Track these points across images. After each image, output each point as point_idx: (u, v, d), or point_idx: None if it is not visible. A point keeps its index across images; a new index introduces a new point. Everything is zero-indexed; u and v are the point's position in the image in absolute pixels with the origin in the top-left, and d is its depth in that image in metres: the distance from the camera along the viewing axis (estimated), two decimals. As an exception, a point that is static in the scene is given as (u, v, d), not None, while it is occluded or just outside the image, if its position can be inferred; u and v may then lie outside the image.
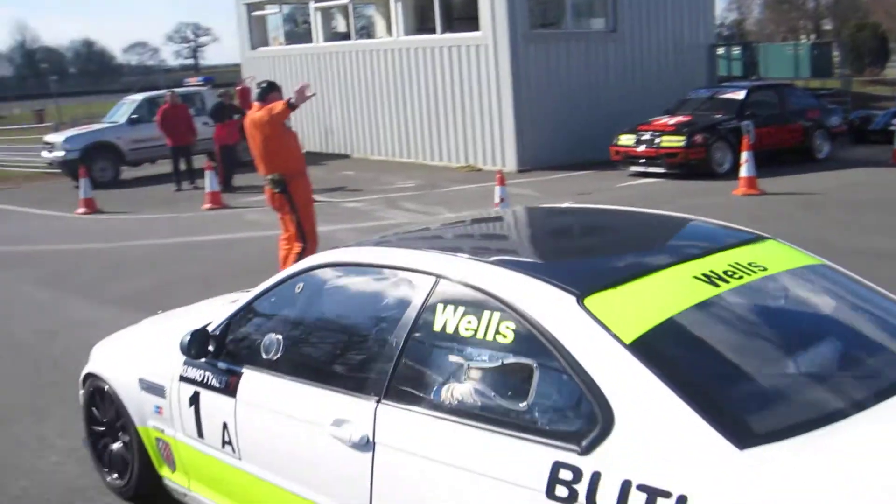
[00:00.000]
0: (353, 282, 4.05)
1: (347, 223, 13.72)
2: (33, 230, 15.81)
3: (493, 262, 3.47)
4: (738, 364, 3.09)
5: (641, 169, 17.40)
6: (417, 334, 3.44)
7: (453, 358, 3.32)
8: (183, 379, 4.46)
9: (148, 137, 21.71)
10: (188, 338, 4.27)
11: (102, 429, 5.28)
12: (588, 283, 3.21)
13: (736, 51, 33.54)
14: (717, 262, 3.49)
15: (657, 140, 17.06)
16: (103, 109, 55.10)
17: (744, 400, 2.89)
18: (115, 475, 5.17)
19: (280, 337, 4.05)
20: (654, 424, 2.70)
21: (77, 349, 8.11)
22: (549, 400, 3.00)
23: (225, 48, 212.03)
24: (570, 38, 20.34)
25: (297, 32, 28.16)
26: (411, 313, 3.49)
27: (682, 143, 16.83)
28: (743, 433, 2.61)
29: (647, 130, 17.39)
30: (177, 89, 22.14)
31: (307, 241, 8.98)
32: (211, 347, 4.30)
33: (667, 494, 2.51)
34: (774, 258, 3.74)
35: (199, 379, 4.34)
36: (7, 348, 8.53)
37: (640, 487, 2.57)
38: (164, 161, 22.03)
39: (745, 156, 14.65)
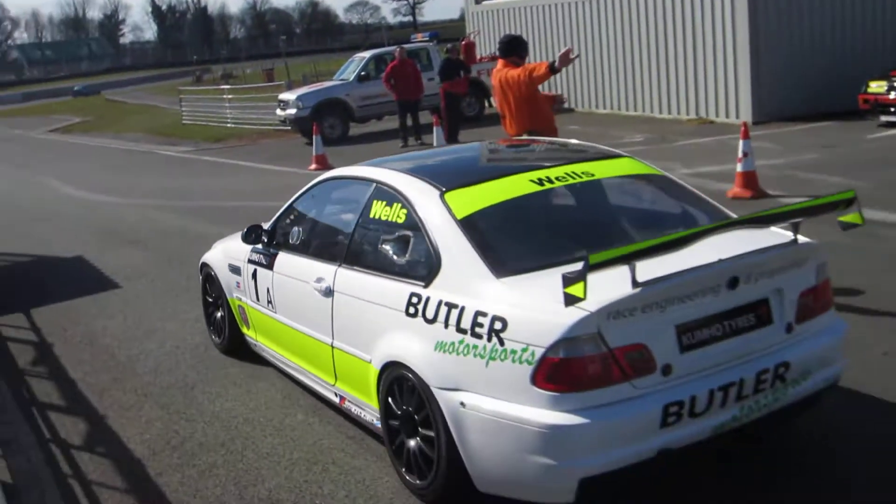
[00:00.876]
0: (340, 189, 6.03)
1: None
2: (270, 186, 16.29)
3: (404, 171, 5.34)
4: (520, 232, 4.88)
5: (894, 119, 15.92)
6: (361, 220, 5.38)
7: (376, 234, 5.22)
8: (249, 261, 6.51)
9: (376, 94, 22.01)
10: (245, 230, 6.38)
11: (211, 300, 7.53)
12: (452, 184, 4.96)
13: None
14: (557, 171, 5.10)
15: (913, 87, 15.60)
16: (328, 67, 57.01)
17: (511, 252, 4.56)
18: (216, 336, 7.49)
19: (298, 228, 6.08)
20: (458, 267, 4.48)
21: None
22: (416, 256, 4.82)
23: (442, 4, 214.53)
24: (814, -27, 18.81)
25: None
26: (360, 207, 5.43)
27: (942, 90, 15.32)
28: (502, 270, 4.31)
29: (901, 76, 15.92)
30: (405, 45, 22.24)
31: None
32: (264, 238, 6.30)
33: (456, 306, 4.33)
34: (610, 169, 5.36)
35: (257, 260, 6.39)
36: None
37: (446, 304, 4.40)
38: (390, 117, 22.29)
39: None
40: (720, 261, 4.08)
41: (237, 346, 7.15)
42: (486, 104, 23.02)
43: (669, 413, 3.95)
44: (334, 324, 5.32)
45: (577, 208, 5.27)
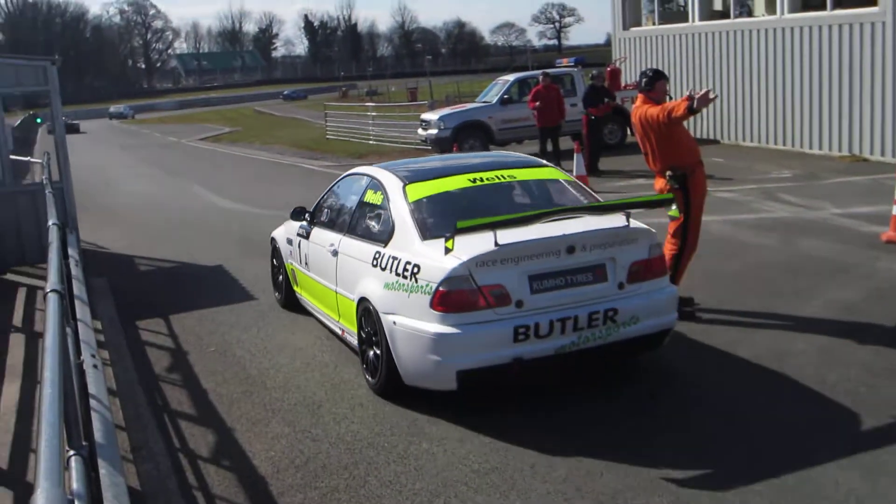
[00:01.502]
0: (354, 182, 8.16)
1: (722, 214, 12.87)
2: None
3: (388, 170, 7.64)
4: (446, 211, 6.74)
5: None
6: (359, 203, 7.64)
7: (364, 212, 7.48)
8: (297, 234, 8.78)
9: (517, 117, 21.96)
10: (293, 210, 8.87)
11: (276, 266, 9.90)
12: (413, 179, 7.18)
13: None
14: (491, 174, 7.26)
15: None
16: (471, 88, 57.44)
17: (435, 224, 6.60)
18: (278, 293, 9.84)
19: (326, 209, 8.41)
20: (403, 233, 6.64)
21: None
22: (383, 227, 7.01)
23: (589, 28, 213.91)
24: None
25: (671, 11, 27.24)
26: (360, 193, 7.73)
27: None
28: (426, 235, 6.49)
29: None
30: (549, 70, 22.09)
31: (688, 240, 8.20)
32: (307, 217, 8.61)
33: (397, 258, 6.46)
34: (531, 174, 7.63)
35: (301, 233, 8.67)
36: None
37: (392, 257, 6.55)
38: (530, 141, 22.18)
39: None
40: (563, 235, 6.18)
41: (292, 302, 9.36)
42: (629, 132, 22.66)
43: (519, 333, 6.02)
44: (337, 276, 7.59)
45: (494, 198, 7.23)
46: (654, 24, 25.57)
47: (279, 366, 7.74)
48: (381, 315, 6.49)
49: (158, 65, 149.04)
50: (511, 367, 6.05)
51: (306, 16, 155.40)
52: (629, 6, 26.38)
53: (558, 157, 19.39)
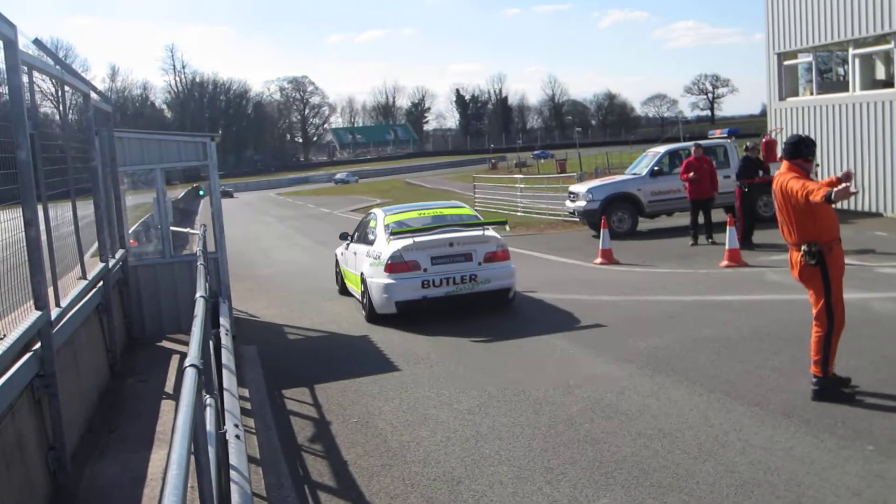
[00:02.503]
0: (368, 216, 15.25)
1: (883, 291, 12.20)
2: (552, 277, 16.23)
3: (381, 209, 15.34)
4: (401, 227, 13.49)
5: None
6: (366, 226, 14.87)
7: (367, 230, 14.59)
8: (346, 247, 15.51)
9: (668, 189, 21.60)
10: (340, 234, 16.22)
11: (337, 271, 16.66)
12: (391, 212, 14.45)
13: None
14: (430, 210, 14.67)
15: None
16: (620, 160, 57.09)
17: (393, 233, 13.24)
18: (337, 285, 16.65)
19: (357, 233, 15.19)
20: (379, 239, 13.53)
21: (592, 408, 7.89)
22: (372, 237, 13.98)
23: (743, 99, 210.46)
24: None
25: (830, 81, 26.45)
26: (368, 221, 14.94)
27: None
28: (390, 238, 13.17)
29: None
30: (701, 142, 21.65)
31: (834, 320, 7.75)
32: (349, 238, 15.37)
33: (376, 250, 13.48)
34: (452, 210, 14.66)
35: (347, 247, 15.48)
36: (531, 402, 8.51)
37: (374, 250, 13.54)
38: (680, 213, 21.72)
39: None
40: (447, 237, 12.81)
41: (344, 291, 16.02)
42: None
43: (424, 284, 12.58)
44: (357, 265, 14.12)
45: (426, 220, 13.73)
46: (811, 94, 24.87)
47: (420, 439, 7.64)
48: (366, 278, 13.29)
49: (315, 139, 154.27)
50: (421, 301, 12.69)
51: (458, 90, 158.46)
52: (786, 76, 25.78)
53: (710, 230, 18.92)
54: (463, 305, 12.89)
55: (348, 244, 15.13)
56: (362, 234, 14.48)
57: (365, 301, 13.31)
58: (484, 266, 12.74)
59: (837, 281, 7.77)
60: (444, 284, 12.51)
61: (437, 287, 12.48)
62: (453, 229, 13.03)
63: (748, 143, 19.72)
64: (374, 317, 13.03)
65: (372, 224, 14.13)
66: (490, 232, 13.22)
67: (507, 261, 13.06)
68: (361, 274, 13.52)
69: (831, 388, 7.71)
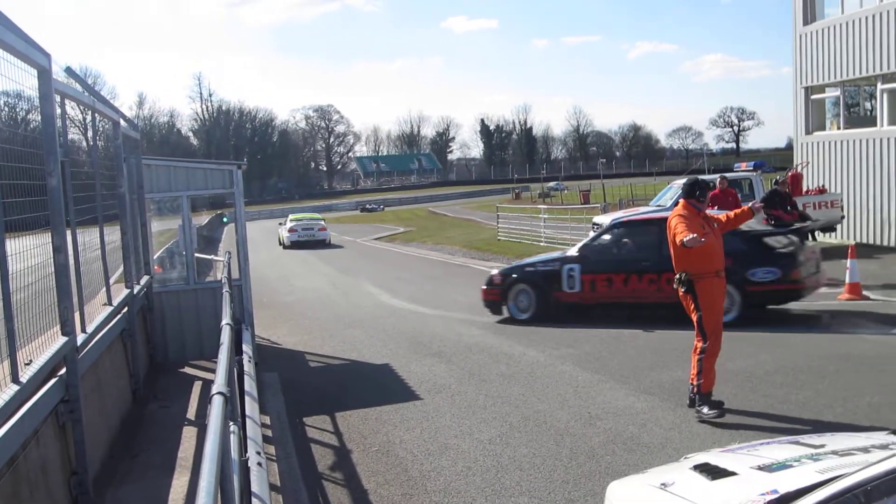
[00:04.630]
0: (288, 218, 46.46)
1: (910, 327, 12.13)
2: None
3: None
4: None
5: None
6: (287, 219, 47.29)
7: (286, 221, 46.26)
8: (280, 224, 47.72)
9: (692, 221, 21.47)
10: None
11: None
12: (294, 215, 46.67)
13: None
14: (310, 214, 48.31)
15: None
16: (644, 191, 56.97)
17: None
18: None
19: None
20: (285, 225, 44.47)
21: (614, 440, 7.85)
22: (286, 221, 45.64)
23: (768, 132, 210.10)
24: None
25: (857, 116, 26.37)
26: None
27: None
28: None
29: None
30: (727, 174, 21.59)
31: (708, 339, 8.67)
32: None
33: None
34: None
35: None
36: (552, 432, 8.48)
37: None
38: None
39: None
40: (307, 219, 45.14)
41: None
42: (811, 238, 21.86)
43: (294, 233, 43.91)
44: (282, 230, 46.41)
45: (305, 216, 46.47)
46: (838, 128, 24.79)
47: (440, 468, 7.63)
48: (280, 233, 46.31)
49: (339, 167, 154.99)
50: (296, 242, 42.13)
51: (483, 119, 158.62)
52: (813, 110, 25.73)
53: (734, 263, 18.82)
54: None
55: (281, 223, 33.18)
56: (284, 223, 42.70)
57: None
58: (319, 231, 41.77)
59: (708, 308, 8.71)
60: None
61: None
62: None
63: (778, 178, 19.69)
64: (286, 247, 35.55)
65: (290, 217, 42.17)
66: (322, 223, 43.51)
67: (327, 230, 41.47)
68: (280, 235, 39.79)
69: (705, 400, 8.61)
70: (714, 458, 4.56)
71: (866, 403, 8.09)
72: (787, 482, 3.80)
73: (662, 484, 4.32)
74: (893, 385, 9.01)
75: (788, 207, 18.12)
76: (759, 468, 4.16)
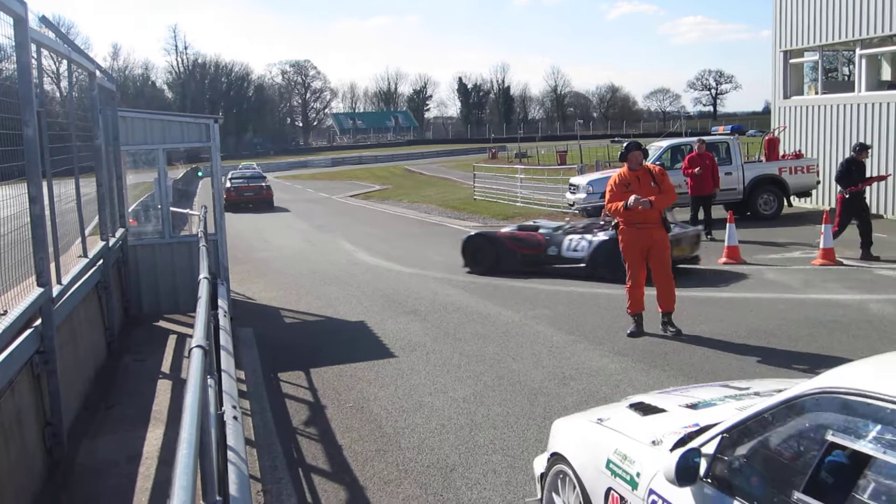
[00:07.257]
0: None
1: (881, 293, 12.27)
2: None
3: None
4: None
5: None
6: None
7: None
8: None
9: (668, 185, 21.55)
10: None
11: None
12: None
13: None
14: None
15: None
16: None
17: None
18: None
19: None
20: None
21: (587, 400, 7.92)
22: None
23: (745, 95, 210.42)
24: None
25: (836, 81, 26.45)
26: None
27: None
28: None
29: None
30: (705, 137, 21.65)
31: (627, 274, 10.75)
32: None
33: None
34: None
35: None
36: (526, 392, 8.55)
37: None
38: (680, 209, 21.74)
39: None
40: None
41: None
42: (787, 203, 22.03)
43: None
44: None
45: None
46: (816, 93, 24.87)
47: (415, 426, 7.68)
48: None
49: (315, 123, 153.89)
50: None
51: (460, 78, 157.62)
52: (791, 75, 25.78)
53: (710, 227, 18.93)
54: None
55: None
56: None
57: None
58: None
59: (626, 250, 10.70)
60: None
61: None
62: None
63: (856, 145, 16.79)
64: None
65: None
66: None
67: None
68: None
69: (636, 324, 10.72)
70: (649, 398, 5.14)
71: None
72: (708, 417, 4.37)
73: (599, 419, 4.85)
74: (866, 350, 9.11)
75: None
76: (687, 406, 4.78)
